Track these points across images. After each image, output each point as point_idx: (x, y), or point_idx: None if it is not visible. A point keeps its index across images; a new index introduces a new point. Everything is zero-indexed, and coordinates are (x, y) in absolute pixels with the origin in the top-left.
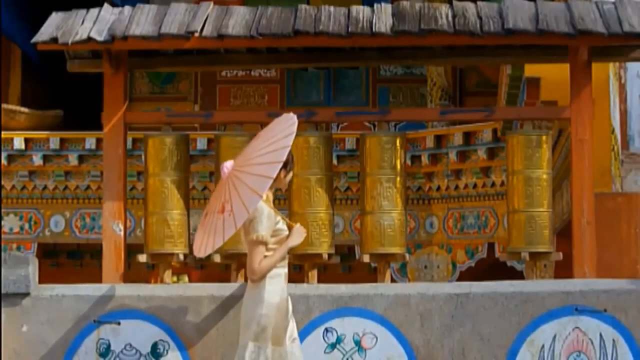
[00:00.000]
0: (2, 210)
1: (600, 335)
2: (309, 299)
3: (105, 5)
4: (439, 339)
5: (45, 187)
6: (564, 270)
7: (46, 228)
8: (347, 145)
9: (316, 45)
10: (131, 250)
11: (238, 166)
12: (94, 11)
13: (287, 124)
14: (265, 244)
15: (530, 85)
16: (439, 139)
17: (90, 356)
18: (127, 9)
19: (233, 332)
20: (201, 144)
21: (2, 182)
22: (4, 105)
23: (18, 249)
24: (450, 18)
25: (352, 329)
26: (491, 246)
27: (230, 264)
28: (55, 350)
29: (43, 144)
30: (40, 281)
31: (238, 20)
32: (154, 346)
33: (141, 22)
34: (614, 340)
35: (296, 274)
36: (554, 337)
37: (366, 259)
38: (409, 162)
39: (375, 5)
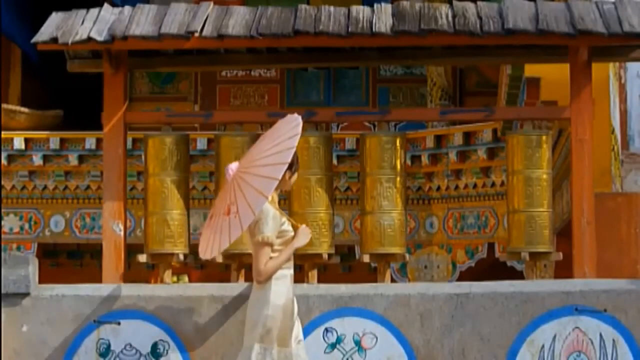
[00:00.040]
0: (2, 210)
1: (600, 335)
2: (309, 299)
3: (105, 5)
4: (439, 339)
5: (45, 187)
6: (564, 270)
7: (46, 228)
8: (347, 145)
9: (316, 45)
10: (131, 250)
11: (243, 168)
12: (94, 11)
13: (292, 125)
14: (271, 245)
15: (530, 85)
16: (439, 139)
17: (90, 356)
18: (127, 9)
19: (233, 332)
20: (201, 144)
21: (2, 182)
22: (4, 105)
23: (18, 249)
24: (450, 18)
25: (352, 329)
26: (491, 246)
27: (230, 264)
28: (55, 350)
29: (43, 144)
30: (40, 281)
31: (238, 20)
32: (154, 346)
33: (141, 22)
34: (614, 340)
35: (296, 274)
36: (554, 337)
37: (366, 259)
38: (409, 162)
39: (375, 5)
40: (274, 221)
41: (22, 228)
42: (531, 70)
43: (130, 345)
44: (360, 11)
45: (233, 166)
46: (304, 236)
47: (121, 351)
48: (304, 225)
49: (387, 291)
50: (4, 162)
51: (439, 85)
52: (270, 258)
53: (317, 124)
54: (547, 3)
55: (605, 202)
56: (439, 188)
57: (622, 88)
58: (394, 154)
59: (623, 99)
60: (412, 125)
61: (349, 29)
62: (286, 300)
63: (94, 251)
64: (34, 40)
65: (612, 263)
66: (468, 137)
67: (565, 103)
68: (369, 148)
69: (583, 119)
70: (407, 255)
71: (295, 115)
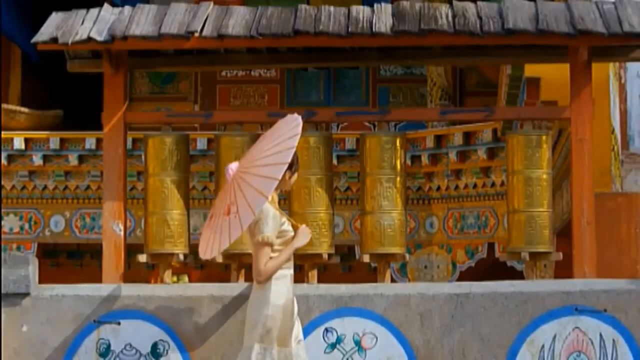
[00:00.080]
0: (2, 210)
1: (600, 335)
2: (309, 299)
3: (105, 5)
4: (439, 339)
5: (45, 187)
6: (564, 270)
7: (46, 228)
8: (347, 145)
9: (316, 45)
10: (131, 250)
11: (243, 168)
12: (94, 11)
13: (292, 125)
14: (271, 245)
15: (530, 85)
16: (439, 139)
17: (90, 356)
18: (127, 9)
19: (233, 332)
20: (201, 144)
21: (2, 182)
22: (4, 105)
23: (18, 249)
24: (450, 18)
25: (352, 329)
26: (491, 246)
27: (230, 264)
28: (55, 350)
29: (43, 144)
30: (40, 281)
31: (238, 20)
32: (154, 346)
33: (141, 22)
34: (614, 340)
35: (296, 274)
36: (554, 337)
37: (366, 259)
38: (409, 162)
39: (375, 5)
40: (274, 221)
41: (22, 228)
42: (531, 70)
43: (130, 345)
44: (360, 11)
45: (233, 166)
46: (304, 236)
47: (121, 351)
48: (304, 225)
49: (387, 291)
50: (4, 162)
51: (439, 85)
52: (270, 258)
53: (317, 124)
54: (547, 3)
55: (605, 202)
56: (439, 188)
57: (622, 88)
58: (394, 154)
59: (623, 99)
60: (412, 125)
61: (349, 29)
62: (286, 300)
63: (94, 251)
64: (34, 40)
65: (612, 263)
66: (468, 137)
67: (565, 103)
68: (369, 148)
69: (583, 119)
70: (407, 255)
71: (296, 115)
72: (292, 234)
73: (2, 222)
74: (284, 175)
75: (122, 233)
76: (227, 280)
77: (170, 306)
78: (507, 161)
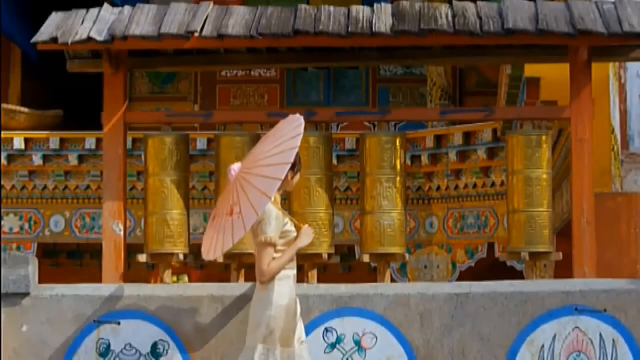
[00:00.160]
0: (2, 210)
1: (600, 335)
2: (309, 299)
3: (105, 5)
4: (439, 339)
5: (45, 187)
6: (564, 270)
7: (46, 228)
8: (347, 145)
9: (316, 45)
10: (131, 250)
11: (246, 168)
12: (94, 11)
13: (294, 125)
14: (274, 245)
15: (530, 85)
16: (439, 139)
17: (90, 356)
18: (127, 9)
19: (233, 332)
20: (201, 144)
21: (2, 182)
22: (4, 105)
23: (18, 249)
24: (450, 18)
25: (352, 329)
26: (491, 246)
27: (230, 264)
28: (55, 350)
29: (43, 144)
30: (40, 281)
31: (238, 20)
32: (154, 346)
33: (141, 22)
34: (614, 340)
35: (296, 274)
36: (554, 337)
37: (366, 259)
38: (409, 162)
39: (375, 5)
40: (277, 222)
41: (22, 228)
42: (531, 70)
43: (130, 345)
44: (360, 11)
45: (235, 167)
46: (307, 236)
47: (121, 351)
48: (306, 226)
49: (387, 291)
50: (4, 162)
51: (439, 85)
52: (274, 259)
53: (317, 124)
54: (547, 3)
55: (605, 202)
56: (439, 188)
57: (622, 88)
58: (394, 154)
59: (623, 99)
60: (412, 125)
61: (349, 29)
62: (289, 301)
63: (94, 251)
64: (34, 40)
65: (612, 263)
66: (468, 137)
67: (565, 103)
68: (369, 148)
69: (583, 119)
70: (407, 255)
71: (298, 115)
72: (295, 234)
73: (2, 222)
74: (286, 176)
75: (122, 233)
76: (227, 280)
77: (171, 306)
78: (507, 161)
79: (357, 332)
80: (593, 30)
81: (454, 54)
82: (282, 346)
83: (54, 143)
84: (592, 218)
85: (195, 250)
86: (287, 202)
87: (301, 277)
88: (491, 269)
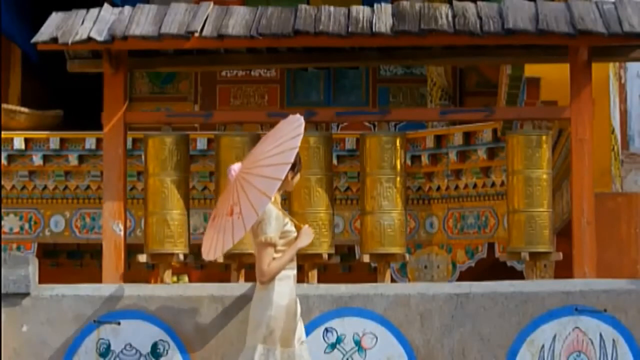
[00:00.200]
0: (2, 210)
1: (600, 335)
2: (309, 299)
3: (105, 5)
4: (439, 339)
5: (45, 187)
6: (564, 270)
7: (46, 228)
8: (347, 145)
9: (316, 45)
10: (131, 250)
11: (246, 168)
12: (94, 11)
13: (294, 125)
14: (274, 245)
15: (530, 85)
16: (439, 139)
17: (90, 356)
18: (127, 9)
19: (233, 332)
20: (201, 144)
21: (2, 182)
22: (4, 105)
23: (18, 249)
24: (450, 18)
25: (352, 329)
26: (491, 246)
27: (230, 264)
28: (55, 350)
29: (43, 144)
30: (40, 281)
31: (238, 20)
32: (154, 346)
33: (141, 22)
34: (614, 340)
35: (296, 274)
36: (554, 337)
37: (366, 259)
38: (409, 162)
39: (375, 5)
40: (277, 222)
41: (22, 228)
42: (531, 70)
43: (130, 345)
44: (360, 11)
45: (235, 167)
46: (307, 236)
47: (121, 351)
48: (306, 226)
49: (387, 291)
50: (4, 162)
51: (439, 85)
52: (274, 259)
53: (317, 124)
54: (547, 3)
55: (605, 202)
56: (439, 188)
57: (622, 88)
58: (394, 154)
59: (623, 99)
60: (412, 125)
61: (349, 29)
62: (289, 301)
63: (94, 251)
64: (34, 40)
65: (612, 263)
66: (468, 137)
67: (565, 103)
68: (369, 148)
69: (583, 119)
70: (407, 255)
71: (298, 115)
72: (295, 234)
73: (2, 222)
74: (286, 176)
75: (122, 233)
76: (227, 280)
77: (171, 306)
78: (507, 161)
79: (357, 332)
80: (593, 30)
81: (454, 54)
82: (282, 346)
83: (54, 143)
84: (592, 218)
85: (195, 250)
86: (287, 202)
87: (301, 277)
88: (491, 269)
